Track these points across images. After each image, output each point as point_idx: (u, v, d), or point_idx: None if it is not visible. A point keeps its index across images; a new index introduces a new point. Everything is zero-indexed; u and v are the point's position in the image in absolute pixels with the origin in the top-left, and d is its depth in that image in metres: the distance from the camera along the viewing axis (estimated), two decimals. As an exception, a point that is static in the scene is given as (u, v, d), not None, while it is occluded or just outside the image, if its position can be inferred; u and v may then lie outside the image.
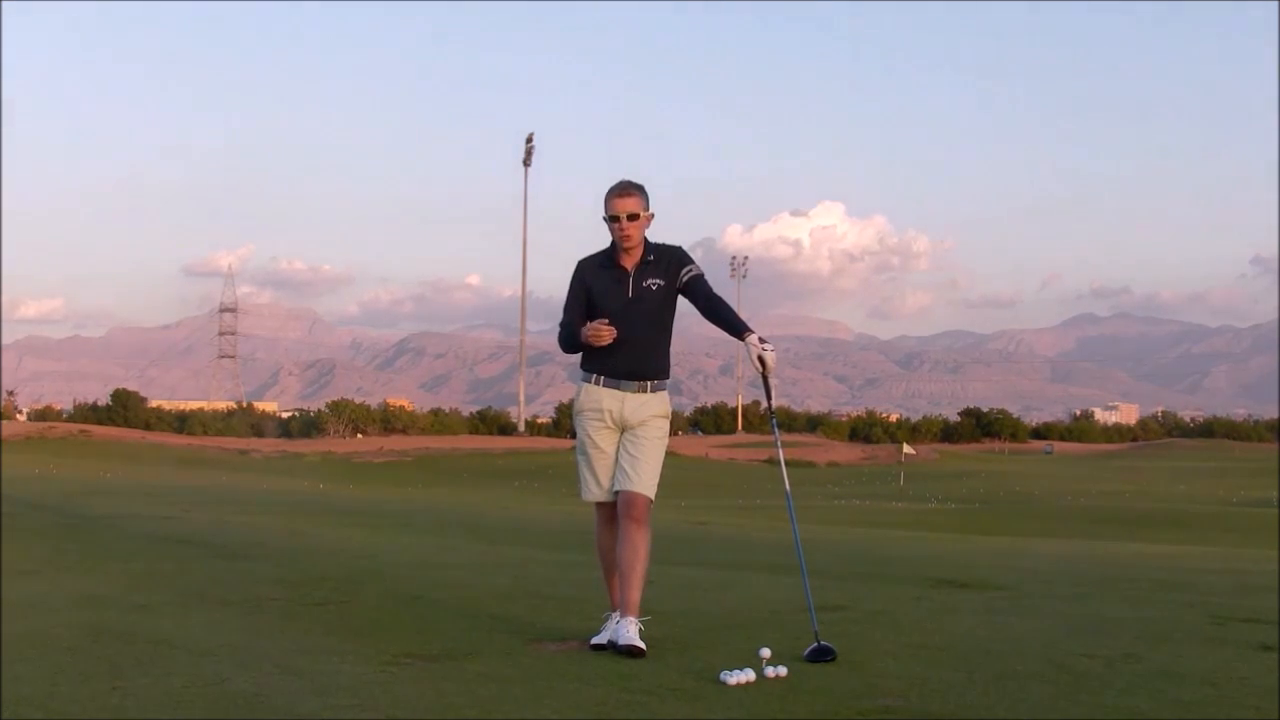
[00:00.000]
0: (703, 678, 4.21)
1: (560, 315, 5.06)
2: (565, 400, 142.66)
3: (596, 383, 4.95)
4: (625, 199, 4.86)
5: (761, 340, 4.80)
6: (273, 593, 6.65)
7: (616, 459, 4.93)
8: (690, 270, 4.93)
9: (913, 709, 3.80)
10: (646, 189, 4.92)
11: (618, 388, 4.92)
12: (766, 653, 4.27)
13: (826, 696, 3.95)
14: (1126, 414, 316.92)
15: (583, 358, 5.01)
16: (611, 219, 4.86)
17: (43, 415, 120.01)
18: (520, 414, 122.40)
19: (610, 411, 4.92)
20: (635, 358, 4.91)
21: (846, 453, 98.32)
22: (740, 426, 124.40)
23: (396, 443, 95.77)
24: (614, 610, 4.89)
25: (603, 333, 4.82)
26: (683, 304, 5.00)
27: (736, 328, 4.85)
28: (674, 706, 3.81)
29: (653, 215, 4.93)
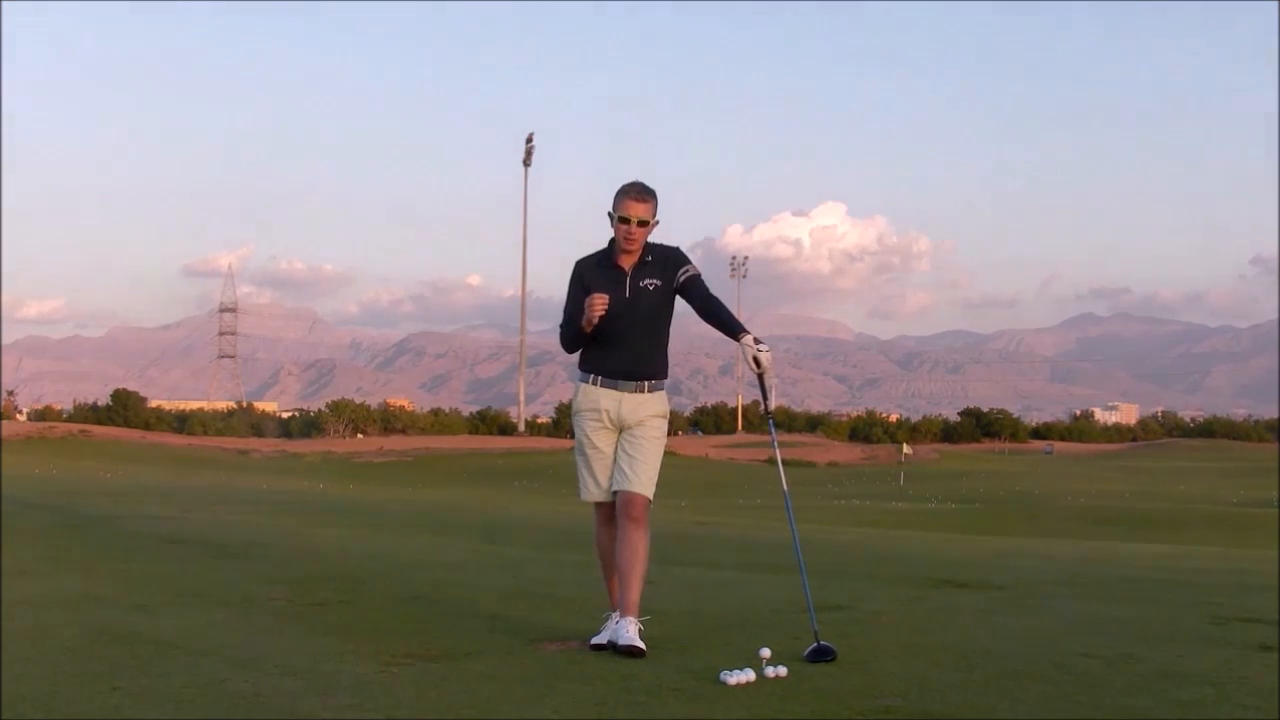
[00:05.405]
0: (703, 678, 4.20)
1: (560, 317, 5.04)
2: (565, 400, 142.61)
3: (594, 383, 4.94)
4: (641, 204, 4.81)
5: (757, 341, 4.78)
6: (273, 593, 6.64)
7: (615, 459, 4.93)
8: (687, 270, 4.92)
9: (913, 709, 3.80)
10: (658, 196, 4.90)
11: (615, 388, 4.91)
12: (766, 653, 4.26)
13: (826, 696, 3.95)
14: (1126, 414, 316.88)
15: (580, 358, 5.01)
16: (621, 220, 4.83)
17: (43, 415, 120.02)
18: (520, 414, 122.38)
19: (608, 412, 4.91)
20: (632, 358, 4.90)
21: (846, 453, 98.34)
22: (740, 426, 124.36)
23: (396, 443, 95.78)
24: (614, 610, 4.89)
25: (595, 302, 4.76)
26: (683, 304, 4.99)
27: (732, 328, 4.83)
28: (674, 706, 3.81)
29: (658, 223, 4.91)
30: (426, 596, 6.57)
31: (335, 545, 10.65)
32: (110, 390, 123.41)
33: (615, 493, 4.90)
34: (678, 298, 4.95)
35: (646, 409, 4.91)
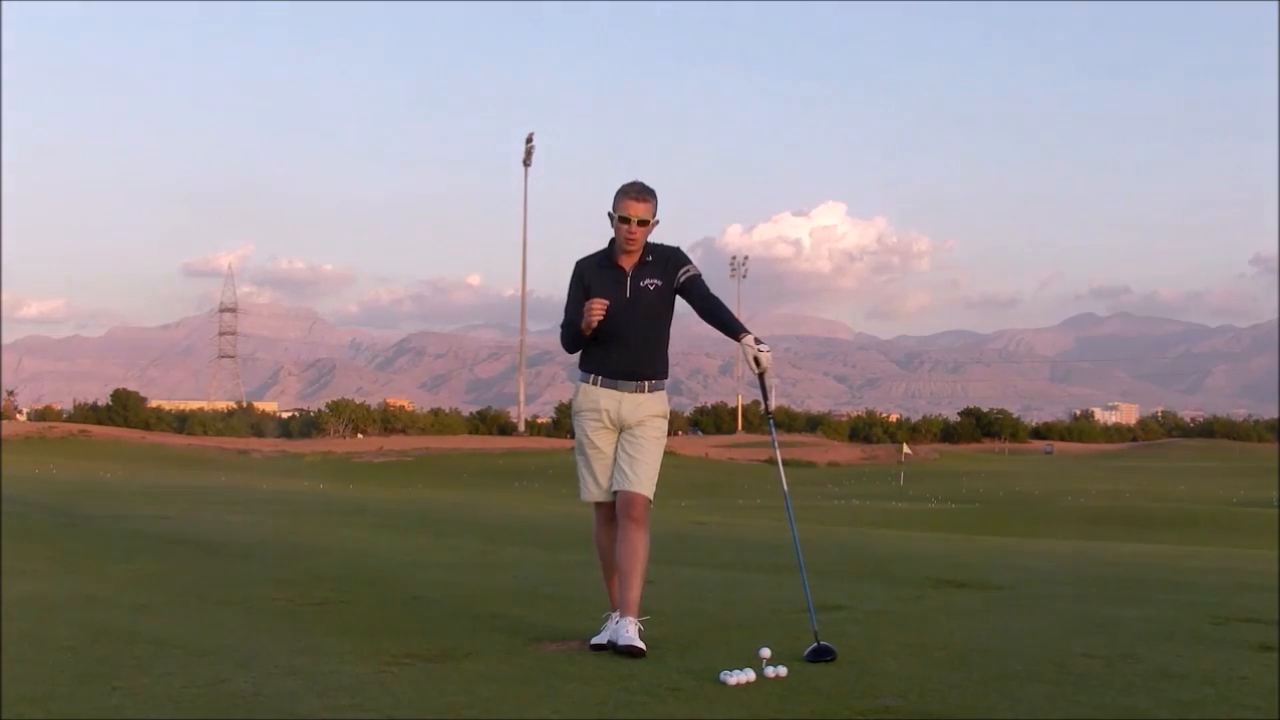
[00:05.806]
0: (703, 678, 4.20)
1: (561, 317, 5.04)
2: (565, 400, 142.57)
3: (594, 383, 4.94)
4: (641, 204, 4.82)
5: (757, 341, 4.78)
6: (273, 593, 6.65)
7: (615, 459, 4.93)
8: (687, 271, 4.92)
9: (913, 709, 3.80)
10: (658, 195, 4.90)
11: (615, 388, 4.91)
12: (766, 653, 4.26)
13: (826, 696, 3.95)
14: (1126, 414, 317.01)
15: (581, 358, 5.01)
16: (622, 220, 4.83)
17: (43, 415, 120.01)
18: (520, 414, 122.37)
19: (608, 411, 4.91)
20: (633, 358, 4.90)
21: (846, 453, 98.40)
22: (740, 426, 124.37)
23: (396, 443, 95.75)
24: (614, 610, 4.89)
25: (594, 307, 4.78)
26: (683, 304, 4.99)
27: (732, 328, 4.83)
28: (674, 706, 3.81)
29: (658, 222, 4.92)
30: (426, 596, 6.57)
31: (335, 545, 10.65)
32: (110, 390, 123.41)
33: (615, 493, 4.90)
34: (678, 298, 4.96)
35: (646, 409, 4.91)
